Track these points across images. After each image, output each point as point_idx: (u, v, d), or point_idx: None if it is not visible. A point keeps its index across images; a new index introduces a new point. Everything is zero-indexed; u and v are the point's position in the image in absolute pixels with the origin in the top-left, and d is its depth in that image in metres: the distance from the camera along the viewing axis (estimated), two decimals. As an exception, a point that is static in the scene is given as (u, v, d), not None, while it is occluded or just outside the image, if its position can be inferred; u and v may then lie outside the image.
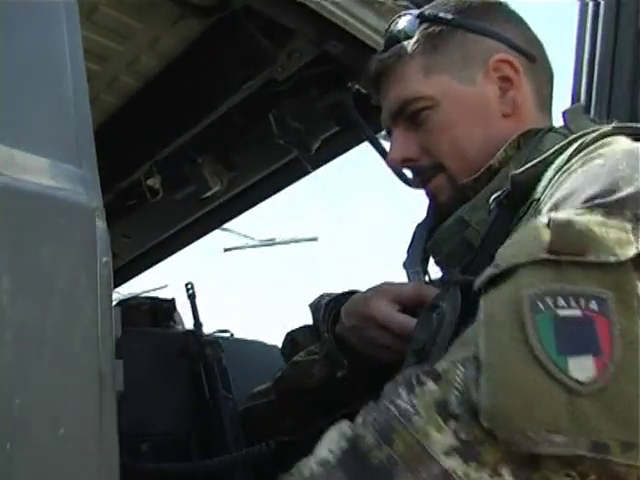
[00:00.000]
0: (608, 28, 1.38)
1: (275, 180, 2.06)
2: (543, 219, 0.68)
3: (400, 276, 1.12)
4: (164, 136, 1.87)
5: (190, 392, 1.74)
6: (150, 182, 1.94)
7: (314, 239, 3.50)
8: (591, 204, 0.68)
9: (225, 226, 2.50)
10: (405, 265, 1.11)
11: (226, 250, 3.31)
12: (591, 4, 1.41)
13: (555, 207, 0.72)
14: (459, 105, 1.04)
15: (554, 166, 0.84)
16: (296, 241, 3.56)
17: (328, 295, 1.35)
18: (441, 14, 1.07)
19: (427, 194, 1.10)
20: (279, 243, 3.52)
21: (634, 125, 0.88)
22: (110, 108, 1.89)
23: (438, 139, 1.05)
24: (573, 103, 1.41)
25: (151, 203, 2.02)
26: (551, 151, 0.86)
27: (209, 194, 2.00)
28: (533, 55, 1.07)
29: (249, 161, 1.99)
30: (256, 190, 2.10)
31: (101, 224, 0.62)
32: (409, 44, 1.07)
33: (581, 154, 0.80)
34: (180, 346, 1.79)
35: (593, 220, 0.66)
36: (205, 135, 1.88)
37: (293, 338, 1.70)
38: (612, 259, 0.63)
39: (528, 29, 1.12)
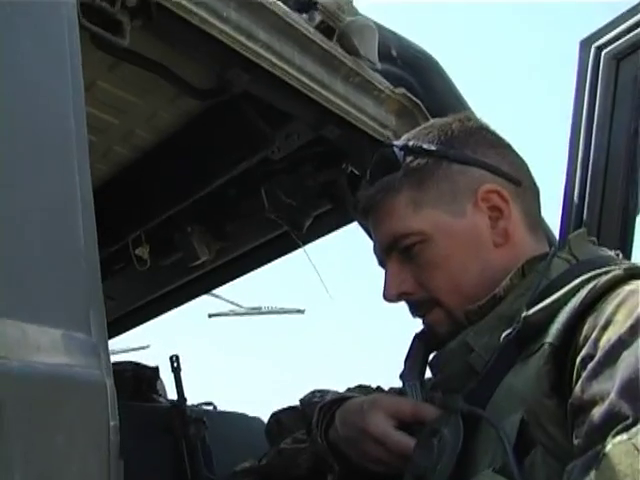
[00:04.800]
0: (602, 135, 1.40)
1: (264, 252, 2.05)
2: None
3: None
4: (155, 207, 1.86)
5: (172, 472, 1.71)
6: (138, 251, 1.92)
7: (301, 311, 3.50)
8: None
9: (213, 291, 2.48)
10: (402, 377, 1.10)
11: (211, 316, 3.29)
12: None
13: (622, 393, 0.71)
14: (451, 239, 1.03)
15: (567, 308, 0.84)
16: (283, 312, 3.54)
17: (320, 392, 1.34)
18: (425, 145, 1.06)
19: (424, 325, 1.10)
20: (265, 313, 3.50)
21: None
22: (103, 176, 1.88)
23: (432, 274, 1.03)
24: (564, 215, 1.43)
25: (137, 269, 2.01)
26: (562, 292, 0.86)
27: (197, 263, 1.99)
28: (519, 179, 1.07)
29: (239, 232, 1.99)
30: (245, 261, 2.09)
31: (110, 382, 0.61)
32: (395, 178, 1.06)
33: (608, 304, 0.80)
34: (163, 422, 1.77)
35: None
36: (196, 205, 1.88)
37: (279, 419, 1.68)
38: None
39: (511, 151, 1.11)
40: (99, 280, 0.68)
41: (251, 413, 2.13)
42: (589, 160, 1.45)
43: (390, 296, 1.07)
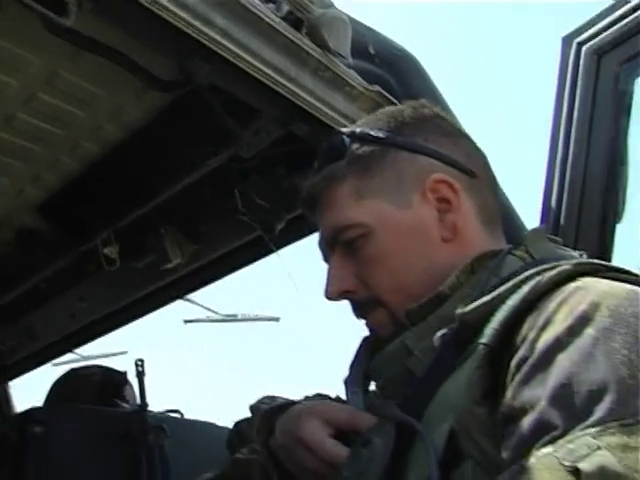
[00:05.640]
0: (582, 134, 1.33)
1: (239, 256, 1.98)
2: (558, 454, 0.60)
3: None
4: (125, 205, 1.81)
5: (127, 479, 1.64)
6: (107, 251, 1.86)
7: (276, 319, 3.44)
8: (605, 423, 0.59)
9: (189, 296, 2.41)
10: (346, 383, 1.02)
11: (187, 322, 3.24)
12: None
13: (552, 400, 0.63)
14: (394, 232, 0.94)
15: (506, 306, 0.75)
16: (258, 319, 3.49)
17: (269, 398, 1.26)
18: (372, 132, 0.98)
19: (367, 327, 1.01)
20: (241, 320, 3.44)
21: (595, 262, 0.80)
22: (71, 172, 1.83)
23: (374, 271, 0.94)
24: (542, 221, 1.35)
25: (108, 270, 1.95)
26: (503, 288, 0.78)
27: (169, 266, 1.93)
28: (473, 171, 0.98)
29: (213, 235, 1.93)
30: (219, 265, 2.02)
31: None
32: (340, 166, 0.98)
33: (550, 302, 0.72)
34: (123, 428, 1.70)
35: (618, 446, 0.58)
36: (169, 205, 1.82)
37: (239, 430, 1.61)
38: None
39: (468, 141, 1.03)
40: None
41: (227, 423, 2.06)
42: (567, 161, 1.37)
43: (331, 294, 0.98)
